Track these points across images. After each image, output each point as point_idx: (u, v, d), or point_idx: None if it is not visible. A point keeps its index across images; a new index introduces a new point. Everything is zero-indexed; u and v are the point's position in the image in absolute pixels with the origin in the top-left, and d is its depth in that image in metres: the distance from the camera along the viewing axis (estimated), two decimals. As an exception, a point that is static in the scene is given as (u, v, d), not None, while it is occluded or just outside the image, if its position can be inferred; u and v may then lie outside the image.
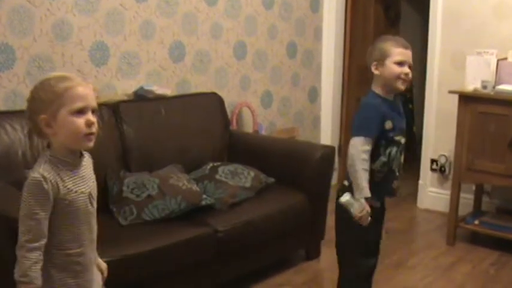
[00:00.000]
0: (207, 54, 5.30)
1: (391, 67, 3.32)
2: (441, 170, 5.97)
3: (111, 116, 4.28)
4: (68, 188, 2.36)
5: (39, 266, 2.30)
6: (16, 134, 3.78)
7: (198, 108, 4.86)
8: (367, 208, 3.22)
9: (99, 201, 3.97)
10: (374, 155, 3.28)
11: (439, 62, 5.88)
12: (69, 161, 2.39)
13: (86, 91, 2.38)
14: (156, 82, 4.85)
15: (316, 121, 6.63)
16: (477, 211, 5.53)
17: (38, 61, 4.17)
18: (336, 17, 6.47)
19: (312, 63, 6.48)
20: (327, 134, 6.60)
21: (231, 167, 4.47)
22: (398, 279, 4.52)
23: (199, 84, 5.23)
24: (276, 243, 4.44)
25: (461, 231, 5.31)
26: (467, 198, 5.52)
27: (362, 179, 3.21)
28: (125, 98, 4.54)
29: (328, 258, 4.78)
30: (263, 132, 5.72)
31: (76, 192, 2.40)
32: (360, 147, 3.21)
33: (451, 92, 5.09)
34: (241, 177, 4.37)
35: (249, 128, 5.71)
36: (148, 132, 4.44)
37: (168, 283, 3.72)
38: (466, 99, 4.96)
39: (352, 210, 3.21)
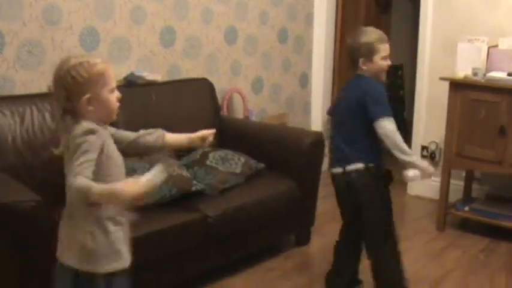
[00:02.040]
0: (198, 40, 5.28)
1: (380, 63, 3.67)
2: (431, 157, 5.98)
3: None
4: (107, 143, 2.57)
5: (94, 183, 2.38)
6: (6, 120, 3.77)
7: (189, 94, 4.85)
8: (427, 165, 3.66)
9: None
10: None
11: (430, 49, 5.88)
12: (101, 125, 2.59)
13: (113, 71, 2.63)
14: (146, 68, 4.83)
15: (306, 107, 6.62)
16: (467, 198, 5.55)
17: (27, 46, 4.14)
18: (327, 3, 6.46)
19: (303, 49, 6.47)
20: (318, 120, 6.60)
21: (222, 152, 4.47)
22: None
23: (189, 70, 5.21)
24: (266, 229, 4.45)
25: (451, 218, 5.33)
26: (457, 185, 5.54)
27: (406, 148, 3.58)
28: (116, 83, 4.52)
29: (317, 244, 4.80)
30: (253, 118, 5.72)
31: (110, 146, 2.61)
32: (393, 128, 3.56)
33: (441, 78, 5.09)
34: (231, 163, 4.37)
35: (239, 113, 5.70)
36: (138, 117, 4.42)
37: (159, 268, 3.72)
38: (457, 86, 4.96)
39: (417, 177, 3.62)
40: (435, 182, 5.63)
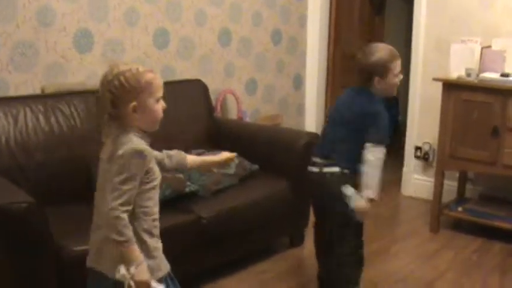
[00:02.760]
0: (192, 41, 5.29)
1: (393, 80, 3.68)
2: (425, 157, 5.99)
3: (95, 103, 4.25)
4: (150, 159, 2.60)
5: (131, 227, 2.51)
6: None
7: (182, 95, 4.85)
8: (367, 208, 3.56)
9: (83, 188, 4.00)
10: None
11: (424, 50, 5.90)
12: (145, 138, 2.63)
13: (161, 81, 2.66)
14: (140, 69, 4.83)
15: (300, 108, 6.63)
16: (460, 198, 5.56)
17: (21, 48, 4.14)
18: (320, 4, 6.46)
19: (297, 51, 6.47)
20: (311, 121, 6.61)
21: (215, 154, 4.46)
22: (381, 266, 4.54)
23: (183, 71, 5.22)
24: (259, 230, 4.45)
25: (445, 218, 5.34)
26: (450, 185, 5.55)
27: (377, 183, 3.55)
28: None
29: (311, 245, 4.77)
30: (247, 119, 5.72)
31: (152, 163, 2.63)
32: (381, 157, 3.55)
33: (435, 79, 5.10)
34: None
35: (233, 115, 5.71)
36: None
37: (152, 270, 3.72)
38: (450, 87, 4.97)
39: (352, 203, 3.54)
40: (428, 182, 5.65)
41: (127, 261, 2.50)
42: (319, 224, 3.97)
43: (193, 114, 4.85)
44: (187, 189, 4.02)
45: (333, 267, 3.80)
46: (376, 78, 3.61)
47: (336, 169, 3.64)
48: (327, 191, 3.69)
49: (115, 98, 2.55)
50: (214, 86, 5.45)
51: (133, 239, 2.50)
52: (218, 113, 5.41)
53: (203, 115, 4.94)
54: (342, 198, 3.58)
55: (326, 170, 3.68)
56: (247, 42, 5.84)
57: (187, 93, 4.91)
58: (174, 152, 2.95)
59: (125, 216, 2.47)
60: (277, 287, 4.24)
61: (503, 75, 4.73)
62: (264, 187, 4.45)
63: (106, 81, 2.57)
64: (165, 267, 2.75)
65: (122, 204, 2.47)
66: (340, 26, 6.65)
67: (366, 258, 3.89)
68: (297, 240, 4.85)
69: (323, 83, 6.66)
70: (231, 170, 4.37)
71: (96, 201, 2.69)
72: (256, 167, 4.57)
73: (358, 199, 3.53)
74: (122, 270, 2.50)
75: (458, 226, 5.35)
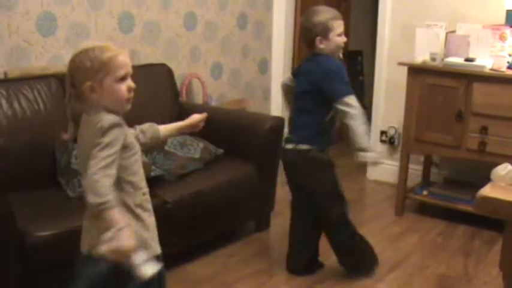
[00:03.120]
0: (157, 25, 5.25)
1: (336, 39, 3.77)
2: (390, 142, 6.02)
3: (59, 87, 4.20)
4: (126, 134, 2.59)
5: (112, 190, 2.44)
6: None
7: (148, 80, 4.82)
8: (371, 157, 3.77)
9: (48, 174, 3.97)
10: (327, 110, 3.75)
11: (389, 35, 5.91)
12: (117, 114, 2.59)
13: (126, 59, 2.60)
14: (105, 53, 4.78)
15: (266, 92, 6.62)
16: (425, 182, 5.60)
17: (-17, 31, 4.10)
18: (286, -12, 6.45)
19: (263, 35, 6.46)
20: (277, 106, 6.60)
21: (180, 138, 4.45)
22: (347, 250, 4.57)
23: (148, 56, 5.18)
24: (225, 214, 4.45)
25: (410, 202, 5.38)
26: (416, 169, 5.59)
27: (365, 133, 3.71)
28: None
29: (277, 229, 4.81)
30: (213, 104, 5.71)
31: (131, 138, 2.64)
32: (357, 104, 3.66)
33: (400, 64, 5.12)
34: (190, 149, 4.37)
35: (198, 99, 5.69)
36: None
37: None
38: (415, 71, 4.99)
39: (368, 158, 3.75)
40: (394, 166, 5.68)
41: (109, 227, 2.41)
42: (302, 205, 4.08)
43: (158, 98, 4.82)
44: (152, 174, 4.00)
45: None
46: (318, 38, 3.73)
47: (305, 146, 3.80)
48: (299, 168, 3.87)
49: (73, 79, 2.56)
50: (179, 70, 5.42)
51: (114, 203, 2.42)
52: (183, 98, 5.39)
53: (168, 100, 4.92)
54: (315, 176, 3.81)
55: (299, 147, 3.82)
56: (213, 26, 5.82)
57: (152, 78, 4.88)
58: (146, 126, 2.94)
59: (105, 180, 2.41)
60: (244, 271, 4.24)
61: (467, 59, 4.76)
62: (229, 171, 4.44)
63: (68, 64, 2.57)
64: (158, 247, 2.79)
65: (101, 169, 2.42)
66: (306, 10, 6.60)
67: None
68: (262, 224, 4.86)
69: (289, 67, 6.65)
70: (196, 154, 4.36)
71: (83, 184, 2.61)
72: (221, 151, 4.56)
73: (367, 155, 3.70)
74: (105, 239, 2.39)
75: (423, 209, 5.39)
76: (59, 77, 4.24)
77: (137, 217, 2.62)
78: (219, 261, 4.35)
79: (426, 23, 5.13)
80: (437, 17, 5.32)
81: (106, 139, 2.46)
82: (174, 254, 4.13)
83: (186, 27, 5.53)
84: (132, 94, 2.61)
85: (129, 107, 2.63)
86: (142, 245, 2.56)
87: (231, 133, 4.71)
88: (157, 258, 2.72)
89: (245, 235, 4.77)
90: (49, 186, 3.89)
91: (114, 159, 2.47)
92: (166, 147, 4.31)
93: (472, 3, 5.37)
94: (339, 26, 3.75)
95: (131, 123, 3.20)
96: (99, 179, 2.41)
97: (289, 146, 3.89)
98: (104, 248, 2.38)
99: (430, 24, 5.10)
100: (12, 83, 4.03)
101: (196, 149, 4.39)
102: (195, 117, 3.12)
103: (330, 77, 3.70)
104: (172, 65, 5.19)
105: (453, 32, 5.05)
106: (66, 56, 4.50)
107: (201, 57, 5.73)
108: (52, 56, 4.48)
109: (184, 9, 5.48)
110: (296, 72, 4.04)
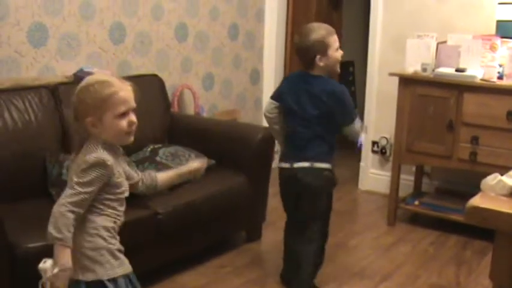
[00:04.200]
0: (148, 36, 5.25)
1: (334, 55, 3.76)
2: (382, 152, 6.03)
3: (50, 98, 4.20)
4: (118, 172, 2.65)
5: (72, 229, 2.49)
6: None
7: (139, 91, 4.80)
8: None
9: (39, 184, 3.96)
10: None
11: (380, 45, 5.93)
12: (117, 151, 2.68)
13: (127, 94, 2.63)
14: (96, 64, 4.78)
15: (258, 103, 6.62)
16: (417, 192, 5.61)
17: (-27, 42, 4.09)
18: (278, -1, 6.47)
19: (254, 45, 6.47)
20: (269, 116, 6.60)
21: (172, 149, 4.45)
22: (339, 259, 4.56)
23: (139, 66, 5.18)
24: (217, 225, 4.44)
25: (402, 212, 5.38)
26: (407, 180, 5.60)
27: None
28: (65, 80, 4.47)
29: (269, 240, 4.80)
30: (204, 114, 5.71)
31: (121, 175, 2.68)
32: (358, 128, 3.86)
33: (391, 74, 5.13)
34: (181, 159, 4.36)
35: (190, 110, 5.68)
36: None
37: (108, 266, 3.69)
38: (406, 82, 5.01)
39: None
40: (385, 176, 5.69)
41: (55, 260, 2.49)
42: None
43: (149, 109, 4.81)
44: (143, 185, 3.99)
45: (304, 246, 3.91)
46: (318, 56, 3.71)
47: (325, 165, 3.82)
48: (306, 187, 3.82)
49: (75, 113, 2.61)
50: (171, 81, 5.42)
51: (70, 242, 2.49)
52: (175, 109, 5.39)
53: (160, 110, 4.91)
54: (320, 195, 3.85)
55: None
56: (204, 37, 5.82)
57: (144, 89, 4.79)
58: (146, 175, 2.96)
59: (70, 215, 2.47)
60: (235, 282, 4.23)
61: (458, 70, 4.77)
62: (220, 182, 4.44)
63: (74, 96, 2.62)
64: (128, 267, 2.78)
65: (71, 204, 2.48)
66: (297, 21, 6.64)
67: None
68: (254, 235, 4.86)
69: (280, 77, 6.63)
70: (188, 165, 4.36)
71: None
72: (213, 162, 4.55)
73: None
74: (48, 264, 2.49)
75: (415, 220, 5.40)
76: (50, 88, 4.24)
77: (100, 237, 2.66)
78: (210, 272, 4.34)
79: (417, 34, 5.15)
80: (428, 28, 5.34)
81: (87, 176, 2.51)
82: (165, 264, 4.13)
83: (178, 38, 5.53)
84: (133, 128, 2.64)
85: (131, 140, 2.66)
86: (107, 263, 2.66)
87: (223, 144, 4.70)
88: (127, 277, 2.77)
89: (237, 246, 4.76)
90: (40, 197, 3.87)
91: (87, 198, 2.52)
92: (157, 158, 4.30)
93: (462, 14, 5.39)
94: (335, 41, 3.76)
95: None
96: (66, 214, 2.47)
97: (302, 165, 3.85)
98: (45, 276, 2.49)
99: (421, 35, 5.13)
100: (2, 94, 4.01)
101: (188, 159, 4.38)
102: (195, 165, 3.13)
103: (341, 102, 3.80)
104: (164, 76, 5.18)
105: (444, 42, 5.07)
106: (57, 67, 4.52)
107: (192, 68, 5.73)
108: (43, 67, 4.47)
109: (176, 20, 5.49)
110: (281, 92, 3.98)
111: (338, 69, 3.87)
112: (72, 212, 2.47)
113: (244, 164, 4.58)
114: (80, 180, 2.50)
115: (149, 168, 4.20)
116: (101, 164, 2.53)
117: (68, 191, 2.51)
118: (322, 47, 3.71)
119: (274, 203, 4.74)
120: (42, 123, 4.08)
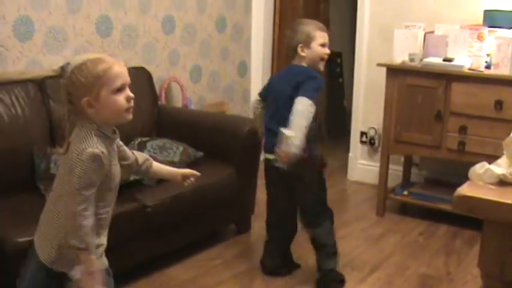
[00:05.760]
0: (135, 29, 5.23)
1: (317, 49, 3.83)
2: (371, 143, 6.03)
3: (37, 92, 4.18)
4: (111, 161, 2.58)
5: (93, 232, 2.51)
6: None
7: (130, 87, 4.80)
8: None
9: (26, 179, 3.94)
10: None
11: (368, 36, 5.93)
12: (111, 136, 2.60)
13: (122, 69, 2.57)
14: (83, 57, 4.76)
15: (246, 95, 6.61)
16: (406, 182, 5.62)
17: (-42, 36, 4.07)
18: (265, -9, 6.46)
19: (242, 38, 6.45)
20: (257, 108, 6.60)
21: (160, 141, 4.45)
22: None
23: (127, 60, 5.14)
24: (206, 217, 4.44)
25: (391, 203, 5.39)
26: (396, 170, 5.61)
27: (302, 134, 3.60)
28: (52, 73, 4.44)
29: (258, 231, 4.80)
30: (192, 107, 5.70)
31: (115, 164, 2.64)
32: (310, 108, 3.63)
33: (379, 64, 5.13)
34: (169, 152, 4.35)
35: (178, 103, 5.67)
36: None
37: (97, 259, 3.69)
38: (394, 72, 5.01)
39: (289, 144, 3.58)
40: (374, 167, 5.69)
41: (83, 266, 2.49)
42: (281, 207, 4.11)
43: (137, 102, 4.69)
44: (131, 178, 3.97)
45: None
46: (300, 45, 3.80)
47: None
48: (290, 175, 3.81)
49: (69, 95, 2.53)
50: (158, 74, 5.41)
51: (93, 248, 2.51)
52: (163, 101, 5.37)
53: (147, 103, 4.89)
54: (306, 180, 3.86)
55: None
56: (192, 30, 5.80)
57: (132, 82, 4.81)
58: (142, 159, 2.94)
59: (87, 223, 2.47)
60: (225, 274, 4.24)
61: (446, 59, 4.78)
62: (209, 174, 4.41)
63: (64, 81, 2.56)
64: (103, 264, 2.73)
65: (85, 209, 2.46)
66: (285, 12, 6.64)
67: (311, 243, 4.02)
68: (243, 227, 4.86)
69: (268, 69, 6.65)
70: (176, 158, 4.35)
71: (54, 186, 2.65)
72: (201, 154, 4.55)
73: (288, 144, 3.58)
74: (78, 273, 2.49)
75: (404, 210, 5.42)
76: (37, 82, 4.22)
77: None
78: (200, 265, 4.34)
79: (404, 24, 5.16)
80: (415, 18, 5.34)
81: (87, 179, 2.46)
82: (154, 257, 4.13)
83: (165, 31, 5.52)
84: (132, 103, 2.59)
85: (130, 116, 2.60)
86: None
87: (211, 136, 4.70)
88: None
89: (226, 238, 4.76)
90: (28, 191, 3.86)
91: (92, 196, 2.50)
92: (145, 151, 4.29)
93: (449, 4, 5.40)
94: (321, 36, 3.83)
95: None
96: (82, 223, 2.45)
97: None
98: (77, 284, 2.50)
99: (409, 25, 5.13)
100: (-11, 88, 4.01)
101: (176, 152, 4.38)
102: (188, 171, 3.13)
103: (305, 79, 3.74)
104: (151, 69, 5.17)
105: (431, 32, 5.07)
106: (43, 61, 4.50)
107: (179, 61, 5.72)
108: (30, 61, 4.45)
109: (163, 12, 5.47)
110: (266, 91, 4.05)
111: (321, 67, 3.90)
112: (87, 217, 2.47)
113: (233, 156, 4.58)
114: (83, 184, 2.45)
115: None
116: (97, 160, 2.47)
117: (76, 199, 2.46)
118: (306, 38, 3.80)
119: (263, 195, 4.74)
120: (29, 117, 4.06)
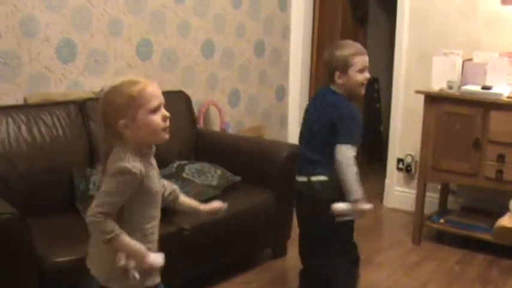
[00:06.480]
0: (175, 53, 5.29)
1: (355, 76, 3.57)
2: (407, 169, 6.01)
3: (78, 113, 4.24)
4: (148, 176, 2.58)
5: (111, 221, 2.50)
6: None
7: (165, 107, 4.83)
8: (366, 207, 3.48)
9: (66, 199, 3.99)
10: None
11: (406, 62, 5.93)
12: (147, 153, 2.62)
13: (156, 89, 2.58)
14: (123, 80, 4.82)
15: (283, 119, 6.64)
16: (442, 210, 5.58)
17: (3, 57, 4.13)
18: (304, 16, 6.48)
19: (280, 62, 6.49)
20: (295, 133, 6.56)
21: (198, 165, 4.47)
22: (364, 277, 4.51)
23: (166, 83, 5.20)
24: (242, 241, 4.45)
25: (427, 230, 5.36)
26: (433, 197, 5.57)
27: (355, 182, 3.45)
28: (93, 95, 4.50)
29: (294, 256, 4.76)
30: (230, 131, 5.72)
31: (152, 178, 2.63)
32: (350, 155, 3.46)
33: (417, 92, 5.12)
34: (207, 176, 4.37)
35: (216, 126, 5.71)
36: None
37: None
38: (432, 99, 5.00)
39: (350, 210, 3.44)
40: (411, 194, 5.66)
41: (124, 252, 2.52)
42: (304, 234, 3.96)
43: (176, 126, 4.77)
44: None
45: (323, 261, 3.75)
46: (337, 73, 3.57)
47: (323, 178, 3.61)
48: (316, 201, 3.67)
49: (105, 119, 2.55)
50: (197, 97, 5.45)
51: (118, 229, 2.49)
52: (201, 125, 5.41)
53: (186, 127, 4.93)
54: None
55: (314, 179, 3.65)
56: (231, 54, 5.85)
57: (170, 105, 4.79)
58: (171, 189, 2.95)
59: (100, 216, 2.47)
60: (260, 298, 4.25)
61: (484, 87, 4.77)
62: (246, 198, 4.45)
63: (100, 102, 2.59)
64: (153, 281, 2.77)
65: (101, 213, 2.47)
66: (322, 37, 6.67)
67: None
68: (279, 252, 4.86)
69: (306, 94, 6.67)
70: (214, 182, 4.36)
71: None
72: (238, 178, 4.56)
73: (359, 207, 3.46)
74: (122, 260, 2.51)
75: (441, 238, 5.37)
76: (78, 103, 4.28)
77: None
78: (235, 289, 4.35)
79: (443, 51, 5.15)
80: (454, 45, 5.32)
81: (114, 186, 2.50)
82: (190, 281, 4.14)
83: (204, 55, 5.57)
84: (168, 123, 2.59)
85: (167, 136, 2.60)
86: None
87: (248, 160, 4.71)
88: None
89: (262, 262, 4.76)
90: (67, 212, 3.90)
91: (116, 206, 2.51)
92: (184, 175, 4.32)
93: (488, 31, 5.38)
94: (360, 61, 3.57)
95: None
96: (96, 220, 2.48)
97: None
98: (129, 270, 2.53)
99: (447, 52, 5.12)
100: (31, 109, 4.07)
101: (214, 176, 4.40)
102: (216, 205, 3.07)
103: (341, 119, 3.56)
104: (190, 92, 5.21)
105: (470, 60, 5.06)
106: (85, 82, 4.57)
107: (218, 85, 5.76)
108: (71, 82, 4.52)
109: (202, 37, 5.52)
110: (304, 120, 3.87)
111: (361, 92, 3.65)
112: (106, 217, 2.48)
113: (270, 180, 4.59)
114: (107, 190, 2.50)
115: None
116: (127, 172, 2.47)
117: (97, 201, 2.51)
118: (343, 65, 3.54)
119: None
120: (69, 139, 4.12)
